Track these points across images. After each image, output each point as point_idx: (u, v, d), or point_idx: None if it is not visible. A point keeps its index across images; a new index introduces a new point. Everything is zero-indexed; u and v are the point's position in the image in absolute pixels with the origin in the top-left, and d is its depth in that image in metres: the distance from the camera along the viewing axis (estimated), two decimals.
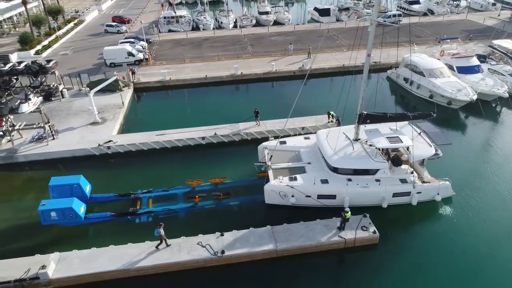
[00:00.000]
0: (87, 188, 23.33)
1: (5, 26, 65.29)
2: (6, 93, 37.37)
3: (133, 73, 43.48)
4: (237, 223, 21.96)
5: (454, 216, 23.56)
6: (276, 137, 27.06)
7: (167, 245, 20.27)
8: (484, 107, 34.43)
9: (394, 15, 64.56)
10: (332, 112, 32.49)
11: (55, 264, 19.43)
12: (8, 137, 30.55)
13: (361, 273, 19.79)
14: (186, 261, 19.81)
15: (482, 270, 19.80)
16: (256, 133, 32.24)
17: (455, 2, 75.36)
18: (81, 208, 21.50)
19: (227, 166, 28.02)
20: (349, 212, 20.50)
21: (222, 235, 21.05)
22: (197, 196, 23.83)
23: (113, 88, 39.32)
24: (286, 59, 49.11)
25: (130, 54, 47.58)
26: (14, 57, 49.91)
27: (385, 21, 64.09)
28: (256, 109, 32.78)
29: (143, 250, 20.29)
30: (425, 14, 72.40)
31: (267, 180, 23.46)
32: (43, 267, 18.76)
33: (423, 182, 23.82)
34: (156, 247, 20.19)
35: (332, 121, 32.74)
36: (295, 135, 30.68)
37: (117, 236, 21.52)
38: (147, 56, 48.86)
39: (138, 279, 19.40)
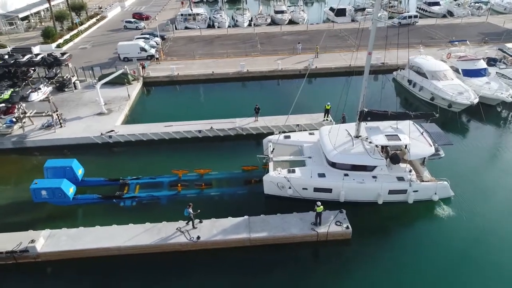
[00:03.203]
0: (79, 172, 25.01)
1: (32, 21, 69.00)
2: (24, 83, 40.03)
3: (143, 67, 45.31)
4: (216, 212, 22.87)
5: (447, 217, 23.52)
6: (283, 132, 27.86)
7: (194, 228, 21.56)
8: (487, 111, 33.85)
9: (410, 16, 63.77)
10: (328, 105, 32.82)
11: (44, 239, 21.07)
12: (20, 124, 32.78)
13: (330, 267, 20.31)
14: (163, 244, 20.97)
15: (458, 275, 19.76)
16: (252, 129, 33.11)
17: (476, 4, 73.30)
18: (70, 189, 23.14)
19: (217, 158, 29.02)
20: (321, 206, 21.02)
21: (200, 222, 22.08)
22: (179, 185, 25.05)
23: (122, 81, 41.16)
24: (294, 58, 49.64)
25: (142, 49, 49.46)
26: (36, 50, 52.87)
27: (400, 22, 63.75)
28: (257, 105, 33.65)
29: (126, 231, 21.63)
30: (444, 16, 70.85)
31: (267, 172, 24.39)
32: (32, 241, 20.43)
33: (422, 181, 24.01)
34: (193, 226, 21.53)
35: (327, 119, 33.15)
36: (289, 131, 31.28)
37: (103, 217, 23.03)
38: (157, 56, 50.31)
39: (119, 258, 20.72)
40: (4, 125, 32.65)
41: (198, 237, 21.04)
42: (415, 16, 63.83)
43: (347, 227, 21.53)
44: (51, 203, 23.64)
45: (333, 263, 20.53)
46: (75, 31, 61.80)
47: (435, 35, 57.40)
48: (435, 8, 72.07)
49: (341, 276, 19.76)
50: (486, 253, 20.85)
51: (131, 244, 20.93)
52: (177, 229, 21.58)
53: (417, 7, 77.71)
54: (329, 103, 32.66)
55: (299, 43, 51.65)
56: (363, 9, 72.31)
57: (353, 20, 69.39)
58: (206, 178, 26.28)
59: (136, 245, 20.92)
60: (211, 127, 32.74)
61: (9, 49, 51.74)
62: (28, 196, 23.82)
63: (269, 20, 69.48)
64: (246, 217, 22.42)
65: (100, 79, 40.23)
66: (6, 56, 40.45)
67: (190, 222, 21.64)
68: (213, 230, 21.67)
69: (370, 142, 24.56)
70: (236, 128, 32.93)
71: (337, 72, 46.07)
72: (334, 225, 21.62)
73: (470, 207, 24.21)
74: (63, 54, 41.24)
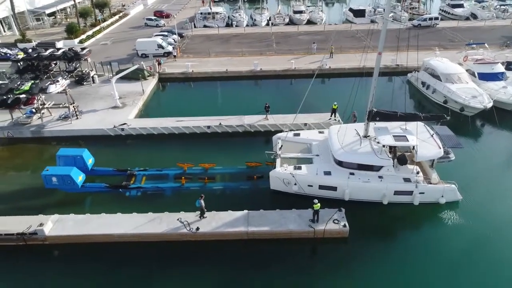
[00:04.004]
0: (90, 161, 26.12)
1: (58, 17, 71.73)
2: (46, 76, 41.74)
3: (159, 64, 46.48)
4: (217, 206, 23.32)
5: (452, 221, 23.25)
6: (292, 130, 28.62)
7: (204, 217, 22.21)
8: (501, 116, 33.11)
9: (431, 18, 62.74)
10: (335, 105, 32.89)
11: (53, 224, 22.17)
12: (39, 114, 34.33)
13: (324, 264, 20.47)
14: (163, 233, 21.68)
15: (456, 279, 19.48)
16: (260, 126, 33.54)
17: (502, 7, 71.14)
18: (79, 177, 24.24)
19: (223, 154, 29.61)
20: (318, 204, 21.22)
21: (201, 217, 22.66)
22: (183, 178, 25.77)
23: (137, 76, 42.35)
24: (308, 57, 49.75)
25: (160, 46, 50.71)
26: (60, 45, 54.90)
27: (420, 24, 62.79)
28: (267, 103, 34.04)
29: (129, 220, 22.46)
30: (467, 19, 69.17)
31: (274, 168, 24.84)
32: (41, 225, 21.57)
33: (430, 183, 23.85)
34: (200, 217, 22.19)
35: (335, 119, 33.21)
36: (297, 130, 31.53)
37: (109, 205, 23.98)
38: (175, 54, 51.13)
39: (121, 244, 21.57)
40: (24, 115, 34.33)
41: (197, 228, 21.65)
42: (436, 18, 62.72)
43: (344, 225, 21.63)
44: (61, 190, 24.86)
45: (328, 261, 20.69)
46: (97, 28, 63.86)
47: (455, 38, 56.22)
48: (458, 10, 70.50)
49: (335, 274, 19.82)
50: (486, 259, 20.47)
51: (133, 232, 21.74)
52: (178, 219, 22.24)
53: (440, 9, 76.22)
54: (335, 103, 32.72)
55: (314, 43, 51.72)
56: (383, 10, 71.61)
57: (372, 21, 68.64)
58: (210, 172, 26.91)
59: (138, 233, 21.72)
60: (220, 123, 33.37)
61: (34, 43, 53.96)
62: (41, 182, 25.03)
63: (287, 20, 69.74)
64: (245, 211, 22.85)
65: (117, 74, 41.61)
66: (30, 50, 42.34)
67: (202, 213, 22.24)
68: (212, 222, 22.21)
69: (378, 142, 24.59)
70: (244, 125, 33.44)
71: (350, 73, 45.77)
72: (332, 223, 21.76)
73: (477, 212, 23.83)
74: (83, 49, 42.81)
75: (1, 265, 20.94)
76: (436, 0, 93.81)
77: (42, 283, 19.75)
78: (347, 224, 21.68)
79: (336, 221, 21.90)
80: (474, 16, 69.91)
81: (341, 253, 21.14)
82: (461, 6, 71.70)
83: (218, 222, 22.20)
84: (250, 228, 21.66)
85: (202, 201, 21.75)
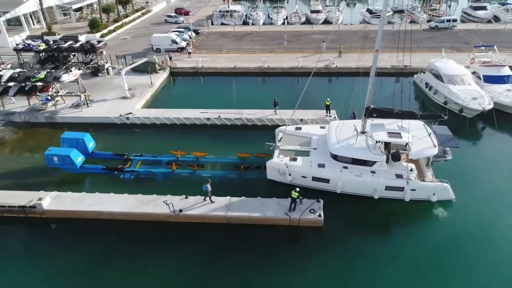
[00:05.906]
0: (90, 144, 28.09)
1: (84, 12, 75.39)
2: (64, 67, 44.50)
3: (170, 58, 48.39)
4: (203, 191, 24.28)
5: (440, 219, 23.54)
6: (289, 125, 30.06)
7: (211, 202, 23.65)
8: (501, 119, 32.65)
9: (448, 20, 61.66)
10: (328, 101, 33.60)
11: (51, 199, 24.18)
12: (53, 101, 36.87)
13: (297, 251, 21.39)
14: (149, 213, 23.23)
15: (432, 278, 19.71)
16: (257, 120, 34.62)
17: None
18: (78, 158, 26.20)
19: (218, 145, 30.87)
20: (297, 193, 22.09)
21: (186, 197, 24.07)
22: (174, 164, 27.25)
23: (147, 69, 44.34)
24: (317, 56, 50.21)
25: (174, 41, 52.69)
26: (82, 38, 57.80)
27: (437, 25, 61.89)
28: (276, 99, 35.15)
29: (120, 200, 24.15)
30: (489, 21, 67.35)
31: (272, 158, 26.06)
32: (40, 199, 23.62)
33: (424, 181, 24.23)
34: (207, 199, 23.63)
35: (329, 115, 33.82)
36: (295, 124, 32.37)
37: (103, 186, 25.78)
38: (189, 50, 52.58)
39: (110, 222, 23.27)
40: (40, 102, 36.94)
41: (180, 210, 23.05)
42: (454, 20, 61.57)
43: (319, 215, 22.40)
44: (62, 169, 26.93)
45: (299, 248, 21.61)
46: (119, 23, 66.77)
47: (471, 40, 55.05)
48: (480, 13, 68.76)
49: (304, 261, 20.51)
50: (466, 260, 20.61)
51: (122, 210, 23.37)
52: (163, 202, 23.72)
53: (462, 11, 74.54)
54: (328, 99, 33.39)
55: (323, 42, 52.16)
56: (402, 11, 70.77)
57: (389, 22, 67.96)
58: (201, 161, 28.32)
59: (126, 212, 23.33)
60: (219, 116, 34.70)
61: (58, 36, 57.22)
62: (45, 162, 27.17)
63: (303, 19, 70.33)
64: (227, 197, 24.05)
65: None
66: (51, 42, 45.26)
67: (208, 197, 23.63)
68: (195, 206, 23.53)
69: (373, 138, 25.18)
70: (242, 118, 34.61)
71: (357, 72, 45.93)
72: (308, 212, 22.57)
73: (468, 212, 23.90)
74: (99, 42, 45.28)
75: (3, 233, 23.10)
76: (461, 1, 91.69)
77: (39, 251, 21.67)
78: (322, 214, 22.45)
79: (312, 211, 22.70)
80: (496, 19, 68.00)
81: (313, 241, 21.83)
82: (483, 8, 69.86)
83: (201, 206, 23.48)
84: (229, 213, 22.86)
85: (209, 186, 23.09)
